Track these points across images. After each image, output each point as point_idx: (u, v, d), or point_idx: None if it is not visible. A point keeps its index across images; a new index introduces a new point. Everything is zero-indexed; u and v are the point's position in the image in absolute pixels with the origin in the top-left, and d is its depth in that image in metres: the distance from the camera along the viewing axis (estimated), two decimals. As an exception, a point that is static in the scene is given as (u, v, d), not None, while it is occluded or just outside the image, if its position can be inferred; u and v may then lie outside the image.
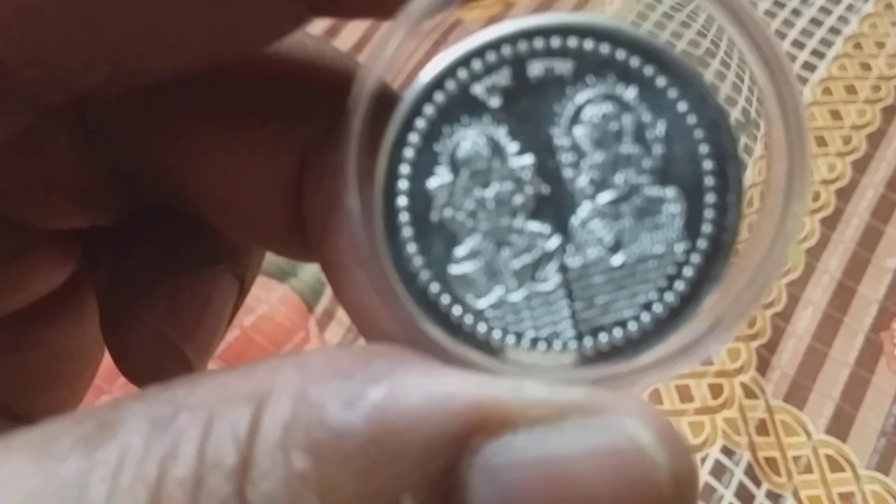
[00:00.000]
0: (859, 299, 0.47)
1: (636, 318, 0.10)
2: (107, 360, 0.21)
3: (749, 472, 0.40)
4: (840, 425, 0.42)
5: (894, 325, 0.46)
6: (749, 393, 0.42)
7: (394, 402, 0.09)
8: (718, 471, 0.40)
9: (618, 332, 0.10)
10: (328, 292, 0.45)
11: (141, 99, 0.14)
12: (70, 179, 0.16)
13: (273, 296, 0.44)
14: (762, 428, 0.41)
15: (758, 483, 0.40)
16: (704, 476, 0.39)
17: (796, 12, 0.61)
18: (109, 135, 0.16)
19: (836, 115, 0.56)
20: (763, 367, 0.43)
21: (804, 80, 0.56)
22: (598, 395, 0.10)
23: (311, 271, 0.46)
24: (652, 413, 0.09)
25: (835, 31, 0.60)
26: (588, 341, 0.10)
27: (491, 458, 0.09)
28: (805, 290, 0.47)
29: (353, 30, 0.54)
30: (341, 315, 0.44)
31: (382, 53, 0.10)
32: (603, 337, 0.10)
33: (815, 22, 0.61)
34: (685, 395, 0.42)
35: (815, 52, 0.59)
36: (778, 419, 0.42)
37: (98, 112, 0.15)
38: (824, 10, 0.61)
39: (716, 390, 0.42)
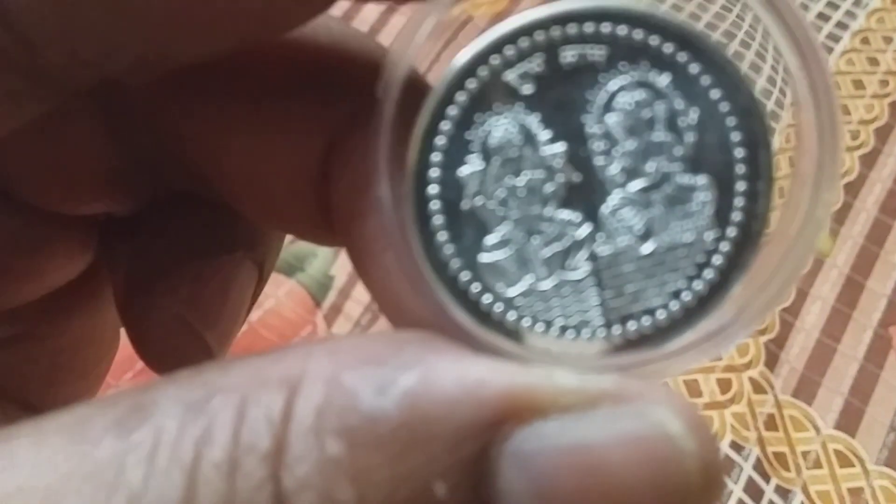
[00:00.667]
0: (868, 294, 0.47)
1: (665, 306, 0.10)
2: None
3: (758, 467, 0.40)
4: (849, 420, 0.42)
5: (903, 320, 0.46)
6: (758, 388, 0.42)
7: (426, 388, 0.09)
8: (727, 466, 0.39)
9: (646, 321, 0.10)
10: (335, 287, 0.45)
11: (167, 83, 0.14)
12: (94, 165, 0.16)
13: (280, 290, 0.44)
14: (771, 423, 0.41)
15: (767, 478, 0.40)
16: (713, 470, 0.39)
17: (803, 7, 0.61)
18: (134, 120, 0.16)
19: (843, 110, 0.56)
20: (771, 362, 0.43)
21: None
22: (627, 383, 0.10)
23: (318, 266, 0.46)
24: (681, 402, 0.10)
25: (842, 25, 0.60)
26: (617, 329, 0.10)
27: (522, 445, 0.09)
28: (813, 285, 0.47)
29: (367, 16, 0.54)
30: (349, 309, 0.44)
31: (413, 40, 0.10)
32: (632, 325, 0.10)
33: (823, 17, 0.61)
34: (694, 389, 0.42)
35: (822, 47, 0.59)
36: (787, 414, 0.42)
37: (123, 97, 0.15)
38: (831, 5, 0.61)
39: (724, 385, 0.42)
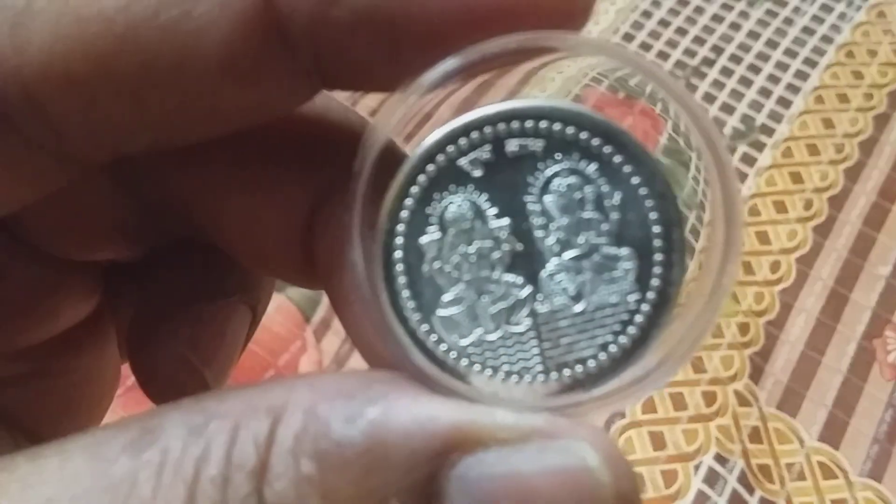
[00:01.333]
0: (852, 307, 0.47)
1: (594, 356, 0.12)
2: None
3: (742, 479, 0.40)
4: (833, 432, 0.42)
5: (887, 332, 0.47)
6: (742, 401, 0.43)
7: (387, 420, 0.11)
8: (712, 478, 0.40)
9: (579, 368, 0.12)
10: (324, 302, 0.46)
11: (172, 153, 0.16)
12: (104, 218, 0.18)
13: (270, 306, 0.45)
14: (755, 435, 0.42)
15: (751, 490, 0.40)
16: (698, 483, 0.40)
17: (788, 21, 0.62)
18: (142, 180, 0.17)
19: (828, 123, 0.57)
20: (756, 374, 0.44)
21: (796, 90, 0.57)
22: (557, 421, 0.11)
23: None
24: (601, 438, 0.11)
25: (827, 39, 0.61)
26: (554, 375, 0.12)
27: (466, 471, 0.11)
28: (798, 298, 0.47)
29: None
30: (337, 325, 0.45)
31: (387, 121, 0.12)
32: (566, 372, 0.12)
33: (808, 31, 0.61)
34: (679, 402, 0.43)
35: (807, 61, 0.59)
36: (771, 426, 0.43)
37: (133, 162, 0.17)
38: (816, 19, 0.62)
39: (709, 398, 0.43)
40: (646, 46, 0.60)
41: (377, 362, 0.15)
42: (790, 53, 0.61)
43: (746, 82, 0.58)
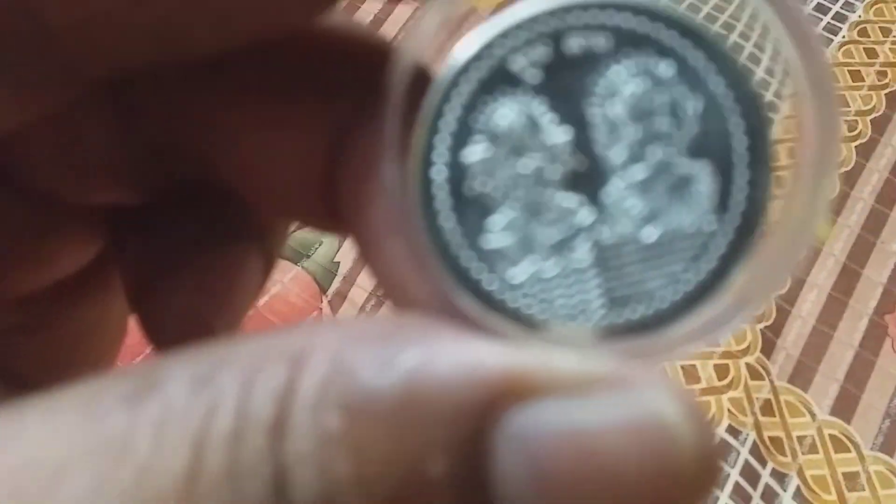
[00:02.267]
0: (864, 282, 0.47)
1: (665, 292, 0.10)
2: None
3: (754, 451, 0.40)
4: (844, 406, 0.42)
5: (899, 307, 0.47)
6: (754, 374, 0.43)
7: (424, 367, 0.09)
8: (724, 450, 0.40)
9: (647, 306, 0.10)
10: (341, 273, 0.45)
11: (178, 76, 0.14)
12: (106, 154, 0.16)
13: (286, 277, 0.45)
14: (767, 408, 0.42)
15: (763, 462, 0.40)
16: (710, 455, 0.40)
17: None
18: (146, 110, 0.16)
19: (841, 101, 0.56)
20: (768, 348, 0.44)
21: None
22: (625, 368, 0.10)
23: (323, 253, 0.46)
24: (678, 389, 0.10)
25: (840, 17, 0.60)
26: (617, 314, 0.10)
27: (519, 427, 0.09)
28: (810, 273, 0.47)
29: (367, 12, 0.54)
30: (353, 296, 0.45)
31: (420, 29, 0.10)
32: (632, 310, 0.10)
33: (821, 8, 0.61)
34: (691, 375, 0.42)
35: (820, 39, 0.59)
36: (783, 400, 0.42)
37: (135, 88, 0.15)
38: (830, -4, 0.61)
39: (721, 371, 0.43)
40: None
41: (412, 308, 0.13)
42: (811, 18, 0.60)
43: (755, 59, 0.58)
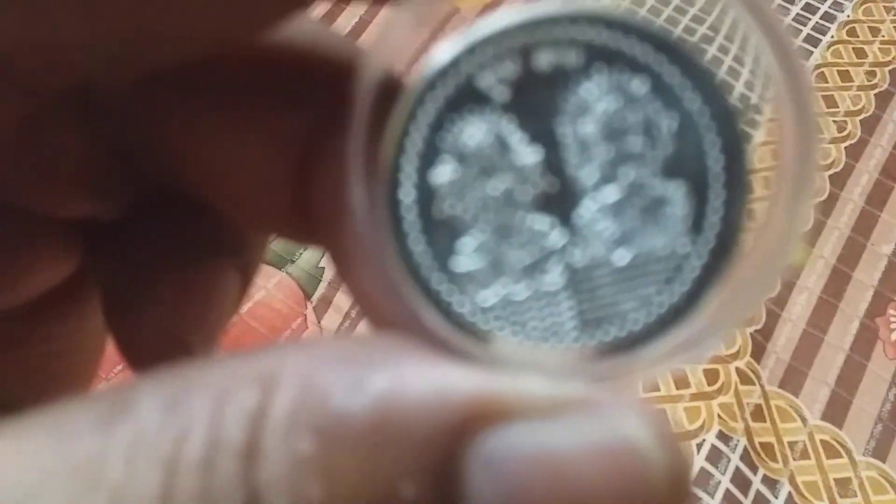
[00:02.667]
0: (854, 285, 0.47)
1: (638, 314, 0.10)
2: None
3: (745, 457, 0.40)
4: (836, 411, 0.42)
5: (890, 310, 0.46)
6: (744, 379, 0.43)
7: (396, 391, 0.09)
8: (715, 456, 0.40)
9: (620, 328, 0.10)
10: (325, 279, 0.45)
11: (145, 85, 0.14)
12: (75, 165, 0.16)
13: (270, 282, 0.44)
14: (758, 413, 0.42)
15: (754, 469, 0.40)
16: (701, 462, 0.40)
17: (790, -2, 0.61)
18: (114, 120, 0.15)
19: (830, 101, 0.56)
20: (758, 352, 0.44)
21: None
22: (596, 390, 0.10)
23: (308, 259, 0.46)
24: (649, 410, 0.09)
25: (829, 17, 0.60)
26: (590, 337, 0.10)
27: (490, 450, 0.09)
28: (800, 276, 0.47)
29: (350, 16, 0.54)
30: (338, 301, 0.44)
31: (386, 41, 0.10)
32: (605, 333, 0.10)
33: (810, 8, 0.61)
34: (681, 381, 0.42)
35: (809, 39, 0.59)
36: (773, 405, 0.42)
37: (103, 98, 0.15)
38: (819, -4, 0.61)
39: (711, 376, 0.43)
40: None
41: (385, 327, 0.13)
42: (792, 30, 0.60)
43: (734, 73, 0.58)
